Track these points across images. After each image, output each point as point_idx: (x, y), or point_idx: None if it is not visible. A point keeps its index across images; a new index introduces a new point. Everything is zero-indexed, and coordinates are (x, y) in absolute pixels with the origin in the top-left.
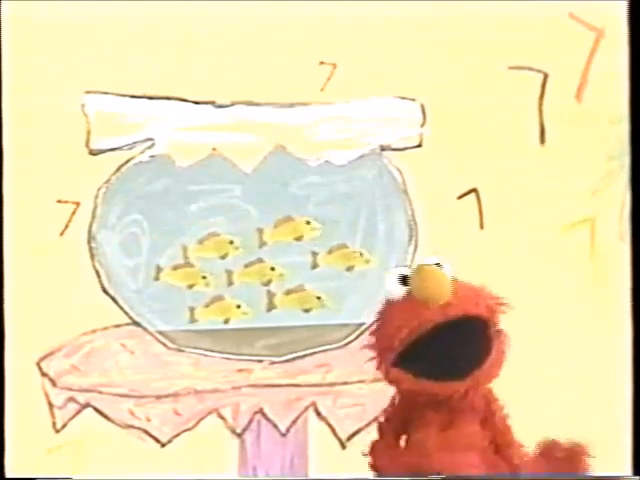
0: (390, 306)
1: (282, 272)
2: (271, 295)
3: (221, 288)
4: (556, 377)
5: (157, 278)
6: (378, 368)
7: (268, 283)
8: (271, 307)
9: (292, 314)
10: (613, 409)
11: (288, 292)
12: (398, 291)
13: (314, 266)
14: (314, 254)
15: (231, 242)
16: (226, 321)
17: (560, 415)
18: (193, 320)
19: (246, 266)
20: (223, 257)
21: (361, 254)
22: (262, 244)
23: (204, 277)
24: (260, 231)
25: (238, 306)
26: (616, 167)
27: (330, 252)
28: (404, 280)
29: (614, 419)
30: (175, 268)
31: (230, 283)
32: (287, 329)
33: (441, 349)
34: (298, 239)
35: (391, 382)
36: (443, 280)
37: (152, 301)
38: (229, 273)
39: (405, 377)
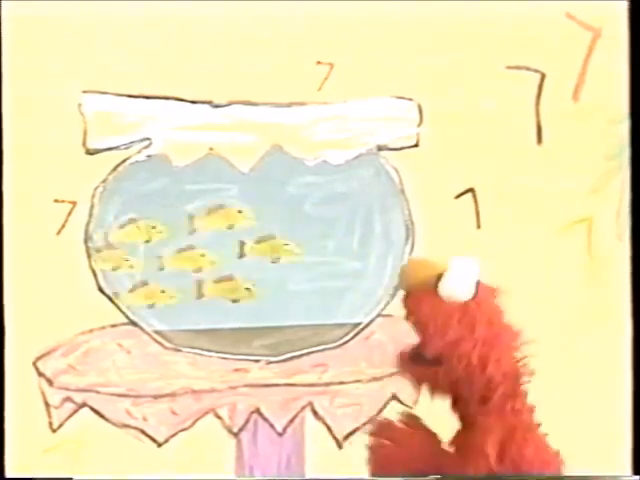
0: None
1: (212, 260)
2: (200, 282)
3: (149, 273)
4: (555, 377)
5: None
6: None
7: (199, 270)
8: (200, 295)
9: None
10: (613, 409)
11: (218, 281)
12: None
13: (241, 256)
14: (242, 243)
15: (154, 227)
16: (150, 306)
17: (559, 415)
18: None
19: (178, 252)
20: (147, 242)
21: (286, 244)
22: (192, 231)
23: (127, 260)
24: (190, 218)
25: (162, 291)
26: (614, 166)
27: (258, 242)
28: None
29: (614, 419)
30: (98, 251)
31: (161, 268)
32: (285, 328)
33: None
34: (230, 227)
35: None
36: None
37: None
38: (159, 258)
39: None
